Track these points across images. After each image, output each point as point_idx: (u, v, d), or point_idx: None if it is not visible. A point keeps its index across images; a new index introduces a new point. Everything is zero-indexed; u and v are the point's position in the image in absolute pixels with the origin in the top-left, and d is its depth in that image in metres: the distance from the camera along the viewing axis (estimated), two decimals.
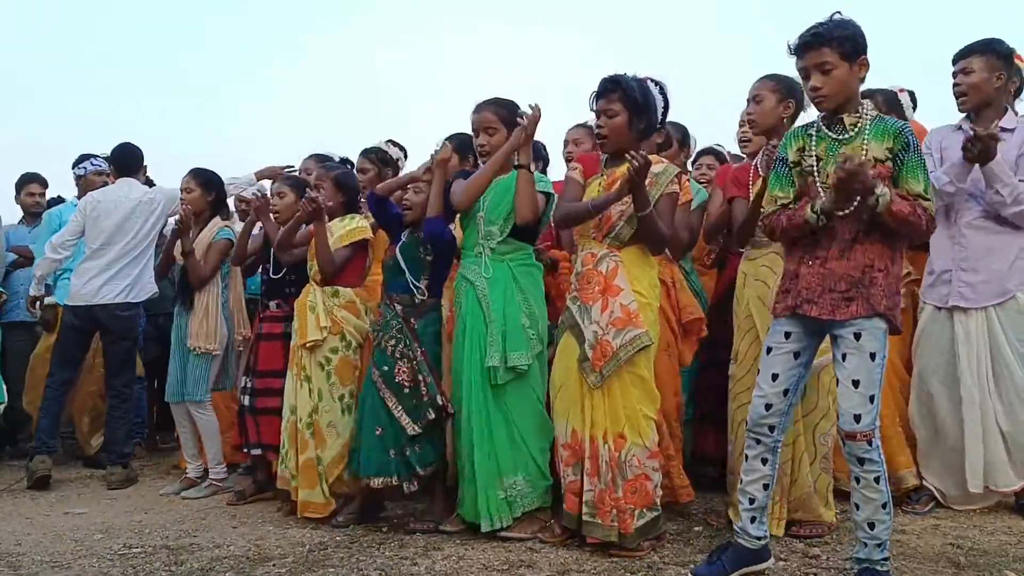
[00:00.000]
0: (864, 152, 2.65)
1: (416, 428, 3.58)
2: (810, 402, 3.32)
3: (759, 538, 2.89)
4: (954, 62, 3.71)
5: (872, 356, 2.63)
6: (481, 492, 3.42)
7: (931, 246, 3.73)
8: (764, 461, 2.86)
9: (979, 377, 3.56)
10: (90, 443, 5.64)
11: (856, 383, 2.63)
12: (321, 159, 4.91)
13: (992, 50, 3.62)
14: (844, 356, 2.67)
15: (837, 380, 2.73)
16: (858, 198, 2.59)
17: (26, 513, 4.31)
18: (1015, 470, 3.55)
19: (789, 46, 2.77)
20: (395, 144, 5.02)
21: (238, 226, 4.98)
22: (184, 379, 4.64)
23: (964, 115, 3.73)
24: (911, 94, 4.13)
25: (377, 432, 3.65)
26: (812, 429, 3.35)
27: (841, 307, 2.65)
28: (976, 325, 3.57)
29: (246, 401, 4.33)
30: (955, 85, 3.68)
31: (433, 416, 3.58)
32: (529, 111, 3.52)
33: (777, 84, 3.49)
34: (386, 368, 3.67)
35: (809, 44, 2.70)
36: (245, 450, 4.40)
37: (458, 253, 3.78)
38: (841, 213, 2.64)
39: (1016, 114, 4.10)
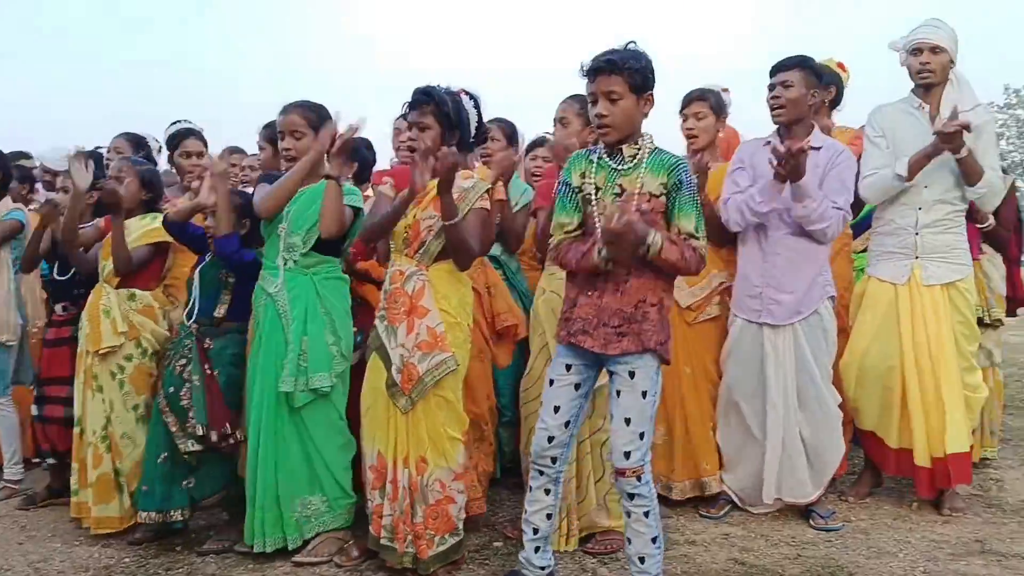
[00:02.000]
0: (640, 185, 2.68)
1: (188, 452, 3.43)
2: (596, 422, 3.35)
3: (543, 568, 2.93)
4: (772, 74, 3.72)
5: (644, 394, 2.69)
6: (272, 513, 3.31)
7: (741, 261, 3.81)
8: (547, 492, 2.89)
9: (785, 390, 3.68)
10: None
11: (628, 420, 2.69)
12: (132, 138, 4.58)
13: (809, 67, 3.66)
14: (618, 393, 2.72)
15: (611, 415, 2.77)
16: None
17: None
18: (813, 480, 3.72)
19: (582, 67, 2.72)
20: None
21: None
22: None
23: (775, 129, 3.77)
24: (729, 93, 4.16)
25: (160, 459, 3.48)
26: (599, 447, 3.38)
27: (613, 342, 2.69)
28: (784, 340, 3.68)
29: (34, 410, 4.06)
30: (773, 97, 3.69)
31: (195, 448, 3.41)
32: (335, 120, 3.34)
33: (581, 108, 3.44)
34: (172, 390, 3.48)
35: (601, 70, 2.67)
36: (36, 460, 4.14)
37: None
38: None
39: (832, 126, 4.21)
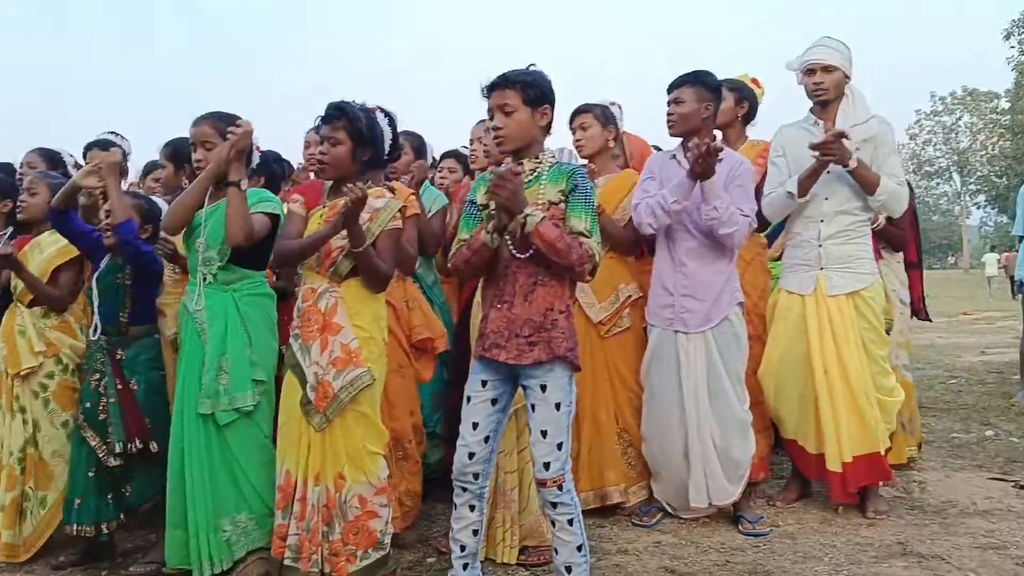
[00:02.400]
0: (541, 196, 2.77)
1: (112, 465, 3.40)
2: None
3: None
4: (668, 91, 3.85)
5: (557, 406, 2.76)
6: (200, 534, 3.23)
7: (654, 272, 3.90)
8: (472, 508, 2.92)
9: (698, 398, 3.75)
10: None
11: (544, 433, 2.76)
12: (46, 154, 4.46)
13: (701, 82, 3.77)
14: (533, 407, 2.79)
15: (529, 428, 2.84)
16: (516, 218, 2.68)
17: None
18: (729, 484, 3.78)
19: (481, 88, 2.84)
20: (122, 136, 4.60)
21: None
22: None
23: (679, 144, 3.88)
24: (619, 106, 4.26)
25: (91, 474, 3.43)
26: None
27: (526, 352, 2.75)
28: (696, 348, 3.75)
29: None
30: (668, 114, 3.83)
31: (116, 463, 3.39)
32: (240, 126, 3.29)
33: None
34: (88, 405, 3.44)
35: (495, 85, 2.80)
36: None
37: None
38: (508, 235, 2.74)
39: (745, 139, 4.31)
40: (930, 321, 5.57)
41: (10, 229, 3.99)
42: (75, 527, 3.44)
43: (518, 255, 2.76)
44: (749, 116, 4.31)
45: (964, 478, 4.53)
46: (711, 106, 3.76)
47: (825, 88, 3.84)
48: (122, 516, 3.53)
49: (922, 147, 52.29)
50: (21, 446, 3.59)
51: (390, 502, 3.21)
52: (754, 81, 4.39)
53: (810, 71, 3.86)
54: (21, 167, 4.48)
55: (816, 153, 3.72)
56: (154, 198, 3.93)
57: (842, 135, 3.66)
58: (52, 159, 4.46)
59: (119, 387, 3.42)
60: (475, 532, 2.93)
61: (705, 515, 3.90)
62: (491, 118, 2.84)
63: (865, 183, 3.78)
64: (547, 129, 2.88)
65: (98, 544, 3.56)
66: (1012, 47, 31.86)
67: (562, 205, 2.77)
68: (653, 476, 3.96)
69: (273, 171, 3.98)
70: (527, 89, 2.76)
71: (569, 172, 2.79)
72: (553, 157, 2.86)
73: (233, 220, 3.22)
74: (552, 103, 2.84)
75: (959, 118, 49.17)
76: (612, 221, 3.91)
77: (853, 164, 3.70)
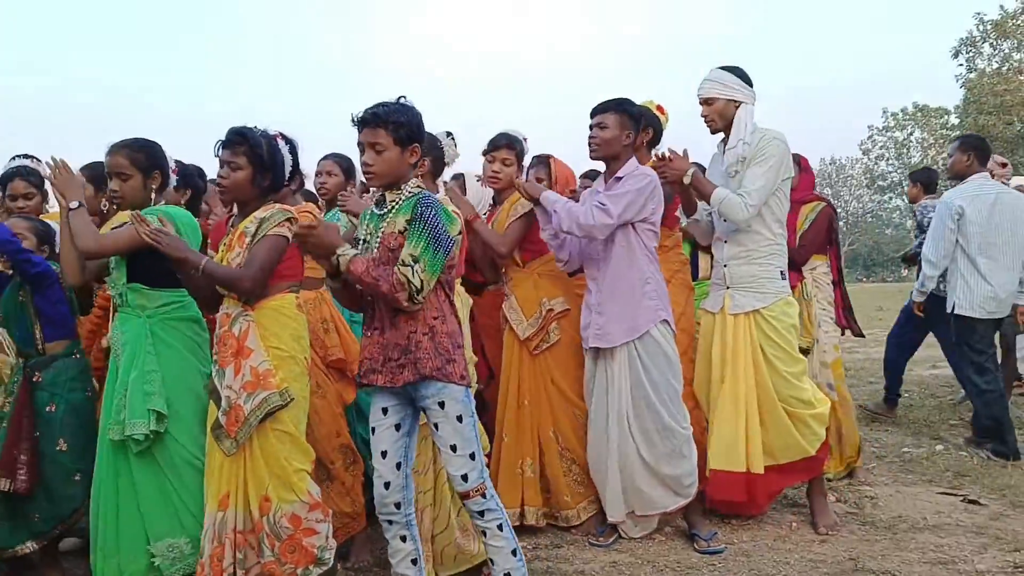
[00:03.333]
0: (392, 225, 2.82)
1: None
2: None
3: None
4: (591, 115, 3.92)
5: (459, 418, 2.81)
6: (125, 558, 3.13)
7: (585, 292, 3.98)
8: (403, 539, 2.94)
9: (619, 413, 3.78)
10: None
11: (454, 447, 2.81)
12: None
13: (624, 110, 3.85)
14: (436, 425, 2.83)
15: (438, 448, 2.88)
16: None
17: None
18: (667, 493, 3.80)
19: (352, 118, 2.87)
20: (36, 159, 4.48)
21: None
22: None
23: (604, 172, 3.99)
24: (525, 139, 4.32)
25: None
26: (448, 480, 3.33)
27: (397, 374, 2.81)
28: (619, 364, 3.79)
29: None
30: (591, 137, 3.89)
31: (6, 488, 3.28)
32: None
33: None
34: None
35: (366, 122, 2.83)
36: None
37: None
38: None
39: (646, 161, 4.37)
40: (862, 336, 5.67)
41: None
42: None
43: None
44: (654, 141, 4.40)
45: (914, 493, 4.58)
46: (631, 134, 3.85)
47: (711, 119, 3.92)
48: (32, 544, 3.41)
49: (875, 162, 53.24)
50: None
51: (327, 517, 3.11)
52: (659, 108, 4.50)
53: (701, 103, 3.95)
54: None
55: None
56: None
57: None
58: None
59: (13, 413, 3.35)
60: (414, 562, 2.94)
61: (653, 532, 3.92)
62: (361, 151, 2.87)
63: (699, 195, 3.89)
64: (416, 165, 2.92)
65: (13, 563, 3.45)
66: (960, 64, 32.63)
67: (405, 234, 2.80)
68: (600, 497, 3.96)
69: (197, 185, 3.92)
70: (398, 129, 2.80)
71: (413, 203, 2.81)
72: (411, 190, 2.88)
73: (78, 235, 3.16)
74: (421, 141, 2.90)
75: (910, 133, 50.18)
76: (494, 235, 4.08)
77: (687, 180, 3.81)
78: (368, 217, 2.95)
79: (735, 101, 3.86)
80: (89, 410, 3.45)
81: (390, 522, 2.90)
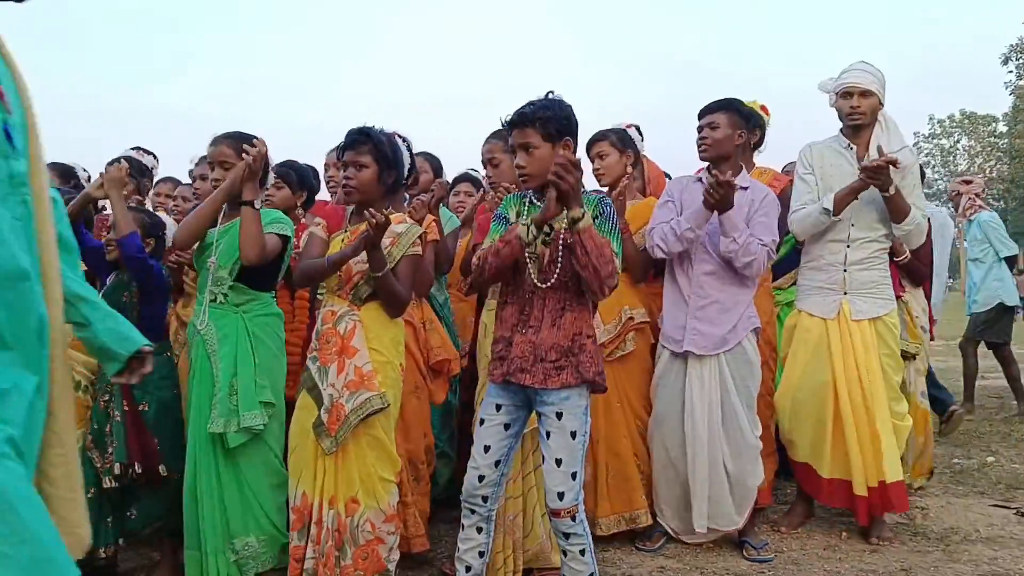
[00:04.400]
0: (566, 222, 2.72)
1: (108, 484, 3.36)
2: (537, 458, 3.36)
3: None
4: (700, 116, 3.87)
5: (573, 435, 2.75)
6: (211, 555, 3.26)
7: (667, 293, 3.90)
8: (479, 530, 2.93)
9: (709, 422, 3.74)
10: None
11: (559, 462, 2.75)
12: (61, 169, 4.49)
13: (735, 109, 3.81)
14: (548, 434, 2.78)
15: (543, 457, 2.82)
16: (565, 209, 2.64)
17: None
18: (736, 510, 3.79)
19: (502, 122, 2.86)
20: (145, 151, 4.64)
21: None
22: None
23: (706, 166, 3.88)
24: (637, 128, 4.28)
25: (90, 494, 3.38)
26: (542, 481, 3.39)
27: (552, 376, 2.75)
28: (708, 371, 3.75)
29: None
30: (701, 138, 3.84)
31: (110, 484, 3.35)
32: (255, 145, 3.34)
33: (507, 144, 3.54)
34: (96, 426, 3.42)
35: (514, 123, 2.81)
36: None
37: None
38: (547, 234, 2.76)
39: (753, 166, 4.34)
40: (932, 340, 5.61)
41: None
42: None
43: (540, 283, 2.77)
44: (759, 143, 4.35)
45: (966, 504, 4.54)
46: (743, 134, 3.81)
47: (862, 112, 3.83)
48: (121, 541, 3.48)
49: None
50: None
51: (397, 530, 3.22)
52: (763, 108, 4.44)
53: (847, 94, 3.86)
54: None
55: (860, 174, 3.72)
56: (160, 213, 3.96)
57: (893, 162, 3.64)
58: (65, 174, 4.50)
59: (126, 408, 3.40)
60: (481, 554, 2.93)
61: (709, 540, 3.91)
62: (513, 153, 2.86)
63: (897, 211, 3.78)
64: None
65: (96, 566, 3.54)
66: (1010, 72, 32.10)
67: None
68: (656, 500, 3.96)
69: (313, 186, 4.04)
70: (548, 125, 2.75)
71: (596, 201, 2.82)
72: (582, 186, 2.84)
73: (245, 238, 3.27)
74: (574, 133, 2.84)
75: (957, 141, 49.43)
76: (632, 243, 3.90)
77: (891, 190, 3.71)
78: (526, 207, 2.89)
79: (881, 102, 3.83)
80: (177, 408, 3.54)
81: (472, 511, 2.89)
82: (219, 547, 3.26)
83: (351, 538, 3.07)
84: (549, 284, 2.77)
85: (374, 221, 2.91)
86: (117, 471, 3.32)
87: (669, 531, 3.94)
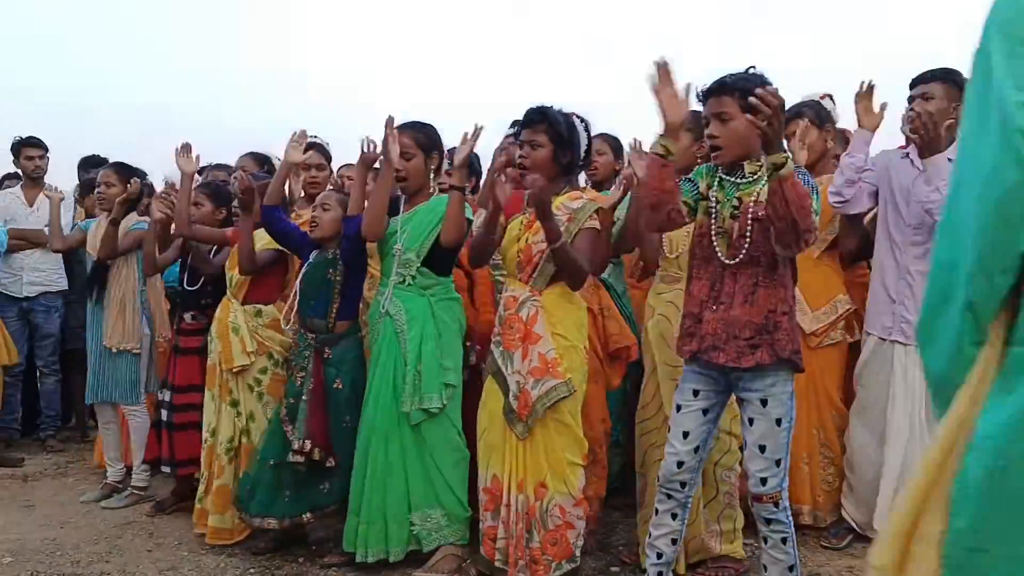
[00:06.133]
0: (756, 195, 2.67)
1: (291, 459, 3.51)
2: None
3: None
4: (912, 86, 3.62)
5: (778, 421, 2.66)
6: (391, 525, 3.37)
7: (875, 277, 3.71)
8: (674, 516, 2.87)
9: (911, 414, 3.55)
10: None
11: (763, 448, 2.67)
12: (258, 157, 4.74)
13: (952, 80, 3.52)
14: (751, 421, 2.70)
15: (745, 441, 2.75)
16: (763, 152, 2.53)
17: None
18: None
19: (697, 93, 2.73)
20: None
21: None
22: (106, 379, 4.47)
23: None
24: (831, 97, 4.04)
25: (269, 465, 3.57)
26: (712, 466, 3.29)
27: (746, 354, 2.65)
28: (914, 361, 3.54)
29: (164, 416, 4.20)
30: (909, 109, 3.56)
31: (297, 460, 3.47)
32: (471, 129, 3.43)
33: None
34: (291, 400, 3.58)
35: (711, 92, 2.69)
36: (162, 467, 4.29)
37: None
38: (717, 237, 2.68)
39: None
40: None
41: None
42: (255, 518, 3.57)
43: (728, 260, 2.67)
44: None
45: None
46: (959, 107, 3.54)
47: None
48: (307, 515, 3.58)
49: None
50: (231, 436, 3.80)
51: (585, 515, 3.20)
52: None
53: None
54: (234, 171, 4.77)
55: None
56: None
57: None
58: (262, 162, 4.72)
59: (312, 387, 3.54)
60: (673, 541, 2.88)
61: None
62: (706, 124, 2.73)
63: None
64: None
65: (291, 533, 3.72)
66: None
67: None
68: (846, 491, 3.79)
69: (478, 171, 4.10)
70: (746, 95, 2.55)
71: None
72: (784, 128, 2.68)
73: (452, 220, 3.35)
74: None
75: None
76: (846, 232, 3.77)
77: None
78: (717, 182, 2.77)
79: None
80: (364, 389, 3.64)
81: (669, 496, 2.84)
82: (401, 517, 3.37)
83: (540, 522, 3.09)
84: (738, 260, 2.67)
85: (533, 188, 2.91)
86: (296, 447, 3.46)
87: (856, 527, 3.76)
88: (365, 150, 3.55)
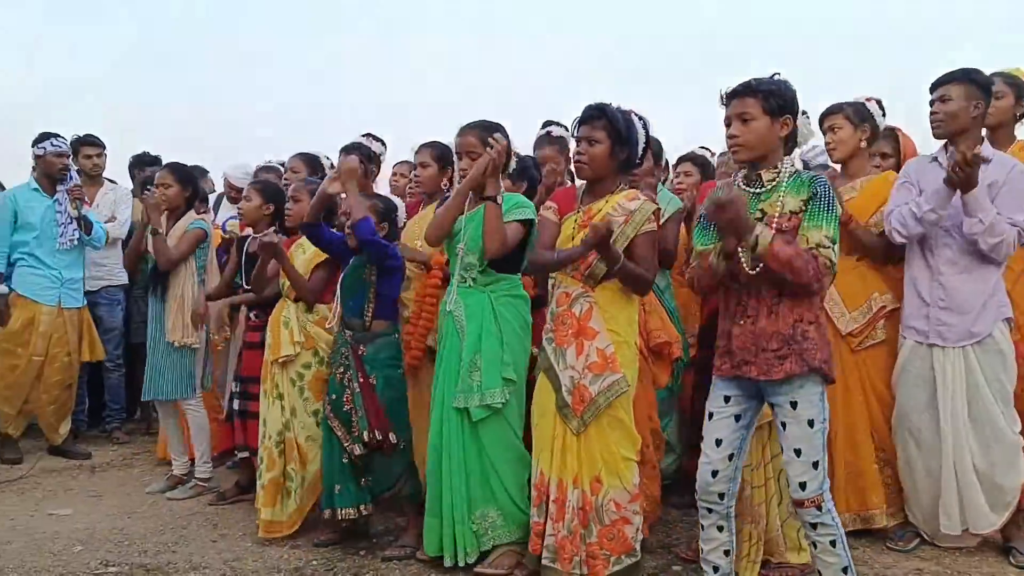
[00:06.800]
0: (780, 206, 2.66)
1: (357, 454, 3.57)
2: (775, 447, 3.22)
3: None
4: (932, 89, 3.59)
5: (811, 423, 2.64)
6: (449, 525, 3.38)
7: (908, 280, 3.65)
8: (720, 528, 2.85)
9: (954, 416, 3.48)
10: (57, 431, 5.46)
11: (798, 452, 2.65)
12: (308, 159, 4.79)
13: (971, 79, 3.49)
14: (784, 425, 2.69)
15: (781, 448, 2.73)
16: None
17: (10, 513, 4.31)
18: (992, 511, 3.48)
19: (721, 96, 2.75)
20: (374, 138, 4.81)
21: (228, 212, 4.93)
22: (160, 375, 4.58)
23: (941, 146, 3.63)
24: (879, 102, 3.97)
25: (344, 460, 3.63)
26: (777, 474, 3.26)
27: (775, 366, 2.64)
28: (953, 363, 3.49)
29: (236, 405, 4.31)
30: (932, 112, 3.56)
31: (361, 451, 3.54)
32: (497, 140, 3.38)
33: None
34: (334, 397, 3.64)
35: (735, 93, 2.72)
36: (236, 453, 4.39)
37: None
38: (736, 255, 2.64)
39: (1014, 140, 3.93)
40: None
41: (271, 229, 4.27)
42: (339, 511, 3.64)
43: (749, 271, 2.63)
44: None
45: None
46: (981, 105, 3.48)
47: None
48: (388, 492, 3.68)
49: None
50: (279, 429, 3.88)
51: (641, 510, 3.19)
52: None
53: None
54: (285, 171, 4.85)
55: None
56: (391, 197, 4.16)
57: None
58: (312, 163, 4.78)
59: (361, 380, 3.59)
60: (727, 552, 2.86)
61: (968, 545, 3.61)
62: (727, 125, 2.74)
63: None
64: (788, 140, 2.74)
65: (354, 526, 3.77)
66: None
67: (801, 215, 2.64)
68: (906, 496, 3.71)
69: (533, 176, 4.07)
70: (769, 98, 2.64)
71: (809, 180, 2.68)
72: (792, 166, 2.74)
73: (488, 234, 3.34)
74: (795, 114, 2.73)
75: None
76: (865, 230, 3.70)
77: None
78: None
79: None
80: (403, 385, 3.73)
81: (709, 510, 2.81)
82: (463, 517, 3.37)
83: (596, 517, 3.08)
84: (757, 271, 2.63)
85: (595, 233, 2.92)
86: (366, 438, 3.52)
87: (921, 532, 3.68)
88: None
